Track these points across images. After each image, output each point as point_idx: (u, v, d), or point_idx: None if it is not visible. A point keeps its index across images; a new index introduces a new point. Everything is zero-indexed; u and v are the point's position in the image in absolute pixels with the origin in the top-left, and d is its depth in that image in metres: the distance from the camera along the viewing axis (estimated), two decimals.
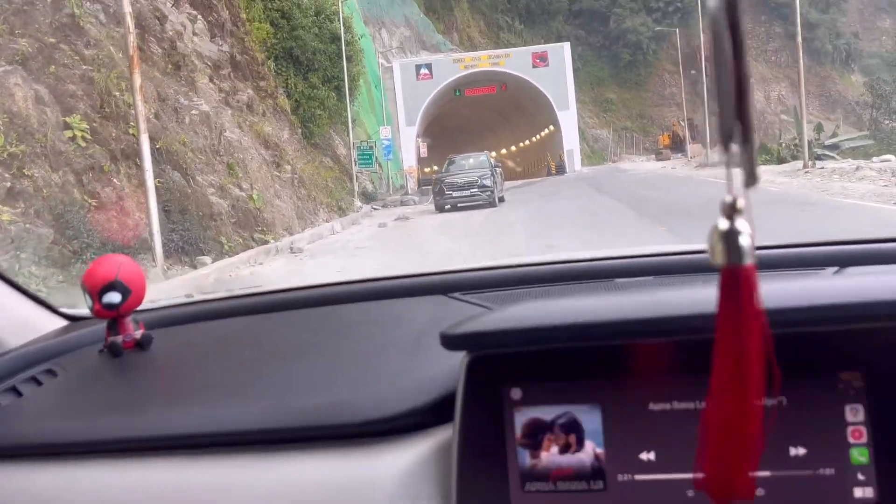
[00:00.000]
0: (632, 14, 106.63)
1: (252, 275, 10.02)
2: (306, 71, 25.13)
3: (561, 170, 47.31)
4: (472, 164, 22.11)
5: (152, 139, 10.92)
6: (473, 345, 0.95)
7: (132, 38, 9.56)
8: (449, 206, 20.49)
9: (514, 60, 47.17)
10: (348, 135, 26.58)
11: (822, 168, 19.79)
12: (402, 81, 46.83)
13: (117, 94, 10.51)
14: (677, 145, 50.68)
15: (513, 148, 59.71)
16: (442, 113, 55.32)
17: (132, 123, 10.14)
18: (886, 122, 48.29)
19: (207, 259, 10.67)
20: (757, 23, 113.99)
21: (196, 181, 11.39)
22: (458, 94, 49.52)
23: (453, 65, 47.00)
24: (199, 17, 15.08)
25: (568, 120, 47.81)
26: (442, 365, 1.05)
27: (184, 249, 10.50)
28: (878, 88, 51.73)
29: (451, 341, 0.95)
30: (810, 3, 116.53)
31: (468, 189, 20.10)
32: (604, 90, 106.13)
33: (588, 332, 0.90)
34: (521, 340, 0.93)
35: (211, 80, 14.36)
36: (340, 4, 26.17)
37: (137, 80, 9.66)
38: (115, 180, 9.73)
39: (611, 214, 13.90)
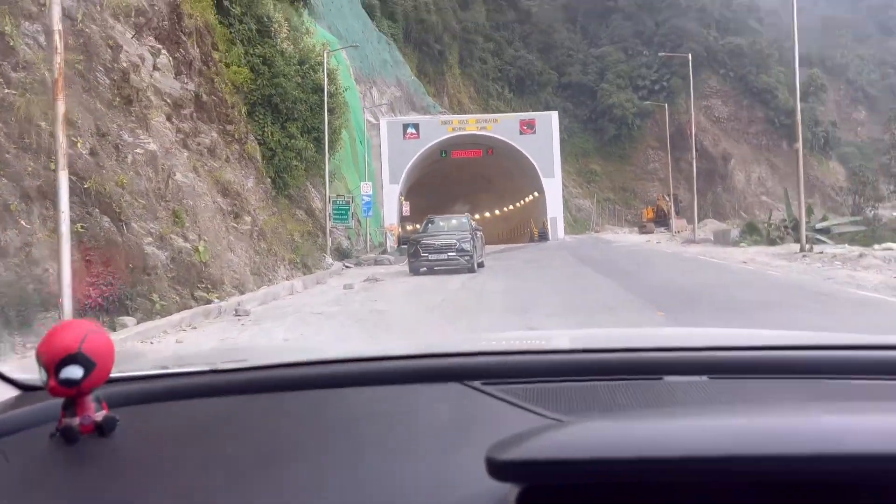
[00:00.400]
0: (618, 90, 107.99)
1: (178, 343, 8.35)
2: (285, 120, 23.86)
3: (543, 237, 46.20)
4: (452, 226, 20.67)
5: (81, 178, 9.34)
6: (533, 475, 0.74)
7: (59, 60, 8.08)
8: (425, 268, 18.94)
9: (502, 126, 46.51)
10: (325, 188, 25.15)
11: (822, 252, 18.55)
12: (389, 139, 45.89)
13: (43, 123, 8.97)
14: (661, 219, 49.91)
15: (496, 212, 58.65)
16: (427, 173, 54.36)
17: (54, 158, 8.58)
18: (869, 209, 47.91)
19: (131, 320, 8.98)
20: (740, 107, 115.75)
21: (130, 228, 9.78)
22: (444, 155, 48.64)
23: (441, 126, 46.20)
24: (164, 51, 13.70)
25: (552, 188, 46.95)
26: (474, 486, 0.81)
27: (104, 308, 8.83)
28: (862, 175, 51.65)
29: (503, 470, 0.73)
30: (790, 91, 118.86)
31: (446, 252, 18.58)
32: (588, 161, 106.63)
33: (705, 469, 0.70)
34: (601, 473, 0.73)
35: (169, 118, 12.87)
36: (325, 57, 25.09)
37: (61, 108, 8.14)
38: (22, 222, 8.11)
39: (600, 292, 12.40)
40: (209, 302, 10.76)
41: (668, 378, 1.36)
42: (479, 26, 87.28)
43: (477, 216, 62.37)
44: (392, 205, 45.76)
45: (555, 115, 47.73)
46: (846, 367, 1.32)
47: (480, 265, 20.59)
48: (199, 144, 13.83)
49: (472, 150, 48.26)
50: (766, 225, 28.26)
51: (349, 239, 28.38)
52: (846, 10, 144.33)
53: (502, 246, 39.74)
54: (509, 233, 55.91)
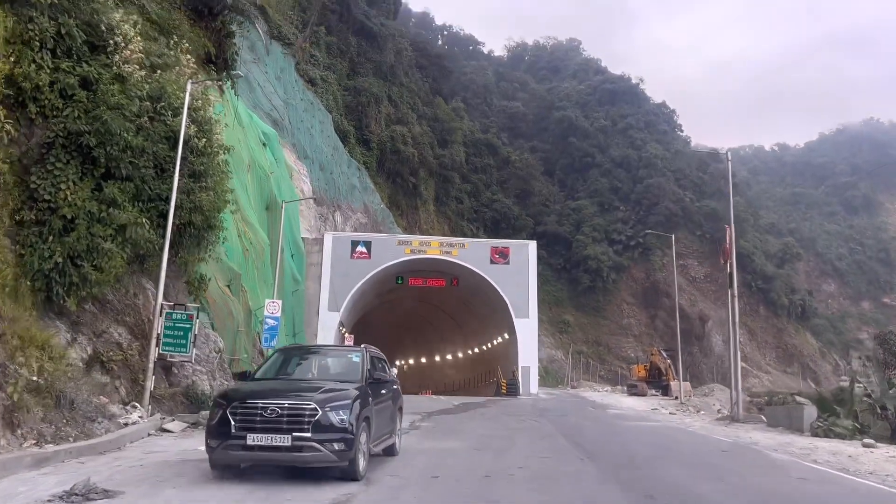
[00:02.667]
0: (594, 242, 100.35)
1: None
2: (103, 175, 13.74)
3: (513, 389, 35.20)
4: (325, 369, 9.72)
5: None
6: None
7: None
8: (242, 461, 8.05)
9: (470, 252, 36.71)
10: (158, 293, 14.44)
11: None
12: (333, 257, 35.75)
13: None
14: (655, 379, 39.30)
15: (460, 354, 47.76)
16: (379, 303, 43.80)
17: None
18: None
19: None
20: (716, 269, 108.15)
21: None
22: (399, 281, 38.41)
23: (397, 247, 36.29)
24: None
25: (526, 330, 36.46)
26: None
27: None
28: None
29: None
30: (767, 256, 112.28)
31: (284, 428, 7.73)
32: (561, 311, 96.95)
33: None
34: None
35: None
36: (187, 95, 15.17)
37: None
38: None
39: None
40: None
41: None
42: (456, 164, 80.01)
43: (438, 358, 51.17)
44: (329, 337, 34.90)
45: (532, 245, 38.05)
46: None
47: (390, 453, 9.79)
48: None
49: (434, 278, 38.15)
50: (850, 402, 17.46)
51: (214, 379, 17.34)
52: (811, 186, 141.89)
53: (459, 400, 28.70)
54: (472, 382, 44.65)
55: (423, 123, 77.22)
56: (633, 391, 38.22)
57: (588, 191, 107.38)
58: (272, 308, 22.29)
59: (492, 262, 36.66)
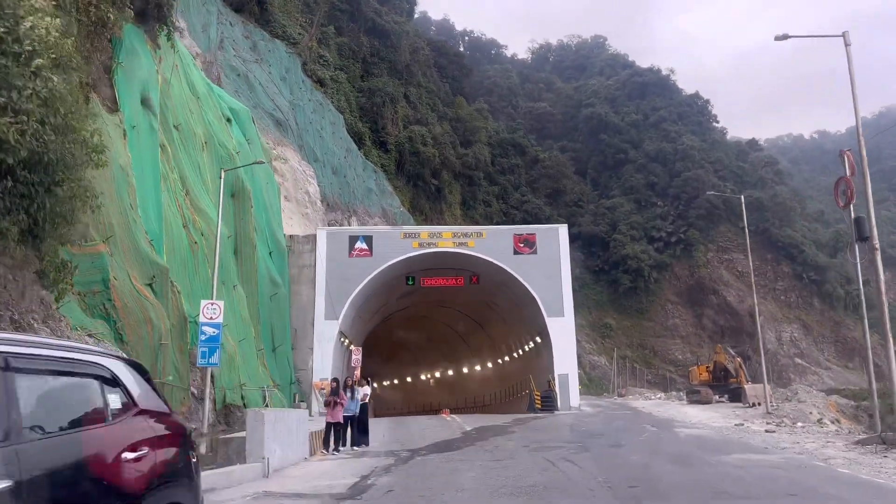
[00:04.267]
0: (632, 241, 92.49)
1: None
2: None
3: (549, 404, 28.16)
4: None
5: None
6: None
7: None
8: None
9: (490, 242, 29.93)
10: None
11: None
12: (329, 257, 29.32)
13: None
14: (721, 383, 31.73)
15: (489, 364, 40.73)
16: (391, 310, 37.20)
17: None
18: None
19: None
20: (763, 261, 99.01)
21: None
22: (411, 282, 31.78)
23: (403, 241, 29.71)
24: None
25: (562, 331, 29.42)
26: None
27: None
28: None
29: None
30: (818, 246, 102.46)
31: None
32: (602, 314, 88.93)
33: None
34: None
35: None
36: None
37: None
38: None
39: None
40: None
41: None
42: (481, 163, 73.18)
43: (466, 370, 44.20)
44: (327, 351, 28.40)
45: (563, 229, 30.98)
46: None
47: None
48: None
49: (450, 276, 31.43)
50: None
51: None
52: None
53: (478, 422, 21.60)
54: (503, 395, 37.50)
55: (443, 124, 70.85)
56: (695, 398, 30.77)
57: (623, 188, 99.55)
58: (210, 312, 15.85)
59: (515, 251, 29.76)
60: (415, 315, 40.32)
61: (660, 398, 40.31)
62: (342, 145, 55.80)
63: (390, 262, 29.42)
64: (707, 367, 33.14)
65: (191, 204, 20.04)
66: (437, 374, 46.11)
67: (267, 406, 20.17)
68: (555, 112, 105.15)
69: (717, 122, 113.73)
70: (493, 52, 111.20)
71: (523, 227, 32.22)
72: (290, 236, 29.41)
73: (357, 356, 32.63)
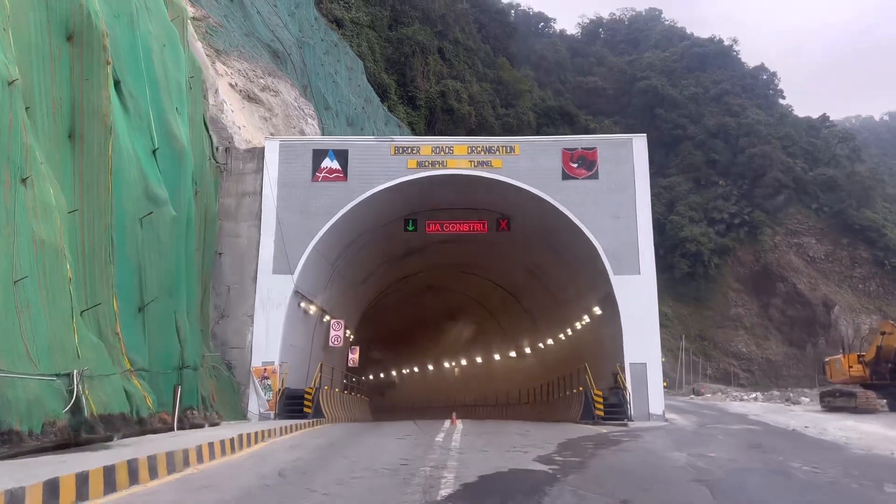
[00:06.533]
0: (691, 223, 79.23)
1: None
2: None
3: (617, 410, 16.65)
4: None
5: None
6: None
7: None
8: None
9: (526, 161, 18.43)
10: None
11: None
12: (283, 180, 18.37)
13: None
14: (890, 380, 19.14)
15: (527, 350, 28.73)
16: (394, 275, 25.95)
17: None
18: None
19: None
20: (838, 245, 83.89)
21: None
22: (411, 227, 20.54)
23: (394, 158, 18.53)
24: None
25: (636, 297, 17.74)
26: None
27: None
28: None
29: None
30: None
31: None
32: (657, 302, 76.47)
33: None
34: None
35: None
36: None
37: None
38: None
39: None
40: None
41: None
42: (523, 124, 61.36)
43: (498, 356, 32.13)
44: (275, 320, 17.46)
45: (639, 140, 18.96)
46: None
47: None
48: None
49: (468, 219, 20.15)
50: None
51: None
52: None
53: (491, 444, 10.08)
54: (545, 391, 25.24)
55: (483, 84, 59.34)
56: (840, 404, 18.59)
57: (681, 166, 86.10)
58: None
59: (565, 175, 18.15)
60: (433, 284, 29.03)
61: (756, 399, 27.84)
62: (360, 94, 45.13)
63: (375, 190, 18.20)
64: (861, 357, 20.56)
65: None
66: (464, 362, 34.66)
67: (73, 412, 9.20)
68: (606, 87, 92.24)
69: (783, 97, 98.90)
70: (540, 25, 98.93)
71: (578, 138, 20.35)
72: (226, 149, 18.46)
73: (337, 332, 21.59)
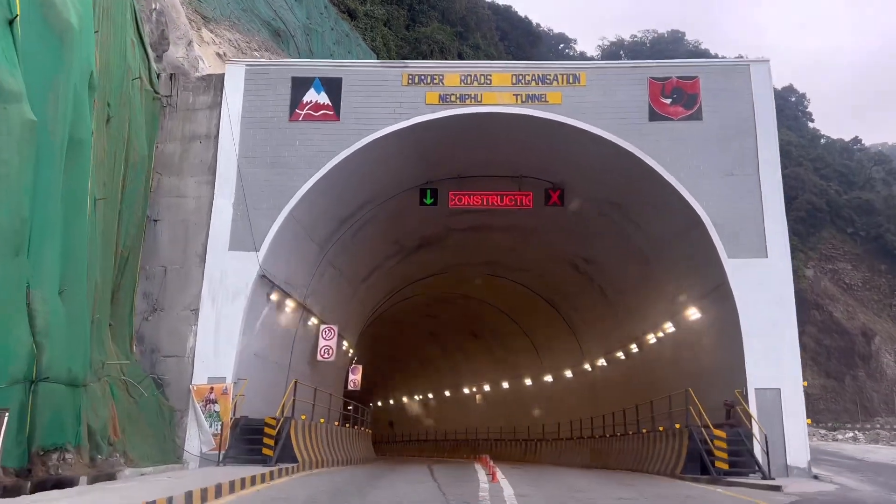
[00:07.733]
0: None
1: None
2: None
3: (742, 459, 10.48)
4: None
5: None
6: None
7: None
8: None
9: (596, 93, 12.55)
10: None
11: None
12: (248, 118, 12.60)
13: None
14: None
15: (586, 367, 21.77)
16: (408, 277, 19.84)
17: None
18: None
19: None
20: (876, 272, 77.02)
21: None
22: (429, 200, 14.63)
23: (407, 89, 12.81)
24: None
25: (763, 290, 11.79)
26: None
27: None
28: None
29: None
30: None
31: None
32: None
33: None
34: None
35: None
36: None
37: None
38: None
39: None
40: None
41: None
42: None
43: (550, 378, 24.73)
44: (229, 316, 11.43)
45: (761, 67, 13.05)
46: None
47: None
48: None
49: (508, 189, 14.24)
50: None
51: None
52: None
53: None
54: (604, 431, 18.51)
55: None
56: None
57: None
58: None
59: (654, 115, 12.22)
60: (451, 289, 22.85)
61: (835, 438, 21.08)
62: (361, 59, 40.29)
63: (379, 134, 12.28)
64: None
65: None
66: (487, 387, 28.14)
67: None
68: None
69: (812, 120, 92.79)
70: (560, 46, 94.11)
71: (671, 63, 14.24)
72: (171, 76, 12.67)
73: (328, 341, 15.46)
